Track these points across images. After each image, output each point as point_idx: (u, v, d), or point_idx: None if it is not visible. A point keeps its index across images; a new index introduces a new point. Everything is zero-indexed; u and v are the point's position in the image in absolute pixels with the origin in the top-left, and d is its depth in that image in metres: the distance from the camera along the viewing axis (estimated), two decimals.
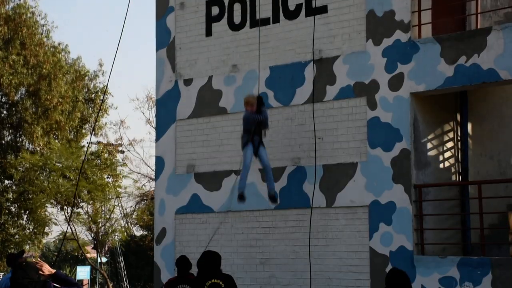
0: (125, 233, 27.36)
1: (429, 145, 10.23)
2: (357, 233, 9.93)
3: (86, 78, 26.15)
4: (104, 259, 37.14)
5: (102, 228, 25.73)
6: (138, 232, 43.94)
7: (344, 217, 10.02)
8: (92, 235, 25.63)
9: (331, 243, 10.10)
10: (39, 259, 6.52)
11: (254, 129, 9.62)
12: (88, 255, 33.21)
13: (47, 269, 6.23)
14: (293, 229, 10.44)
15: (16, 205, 24.70)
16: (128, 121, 71.18)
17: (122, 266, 41.25)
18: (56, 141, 23.53)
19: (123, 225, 28.74)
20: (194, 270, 8.00)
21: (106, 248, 42.26)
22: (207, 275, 7.66)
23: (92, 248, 41.16)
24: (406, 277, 6.85)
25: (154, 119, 30.80)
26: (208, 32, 11.43)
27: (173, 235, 11.51)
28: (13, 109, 24.29)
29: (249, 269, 10.70)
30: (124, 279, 40.97)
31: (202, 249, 10.62)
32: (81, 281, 34.68)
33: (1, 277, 20.88)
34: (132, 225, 39.39)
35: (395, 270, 7.01)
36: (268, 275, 10.57)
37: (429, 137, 10.25)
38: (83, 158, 21.68)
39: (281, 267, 10.44)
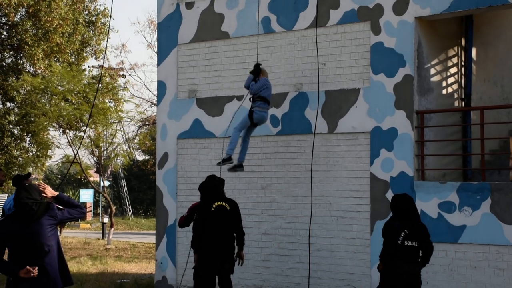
0: (128, 158, 27.59)
1: (432, 71, 10.18)
2: (358, 159, 10.00)
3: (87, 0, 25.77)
4: (107, 183, 37.64)
5: (105, 152, 25.94)
6: (140, 156, 44.50)
7: (346, 143, 10.07)
8: (95, 159, 25.86)
9: (332, 168, 10.19)
10: (41, 181, 6.62)
11: (255, 97, 9.50)
12: (91, 179, 33.62)
13: (49, 191, 6.27)
14: (294, 154, 10.52)
15: (18, 127, 24.84)
16: (129, 45, 70.38)
17: (124, 190, 41.99)
18: (57, 64, 23.44)
19: (125, 149, 28.95)
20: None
21: (109, 172, 42.83)
22: (213, 198, 8.35)
23: (95, 172, 41.56)
24: (412, 202, 7.48)
25: (156, 43, 30.60)
26: None
27: (175, 159, 11.59)
28: (13, 30, 24.06)
29: (251, 194, 10.84)
30: (127, 202, 41.80)
31: (204, 174, 10.85)
32: (84, 203, 35.36)
33: (6, 198, 21.28)
34: (134, 150, 39.74)
35: (401, 195, 7.55)
36: (269, 200, 10.71)
37: (433, 62, 10.18)
38: (98, 81, 21.69)
39: (282, 192, 10.56)
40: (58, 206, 6.28)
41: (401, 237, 7.33)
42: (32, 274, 5.89)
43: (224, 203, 8.33)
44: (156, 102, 12.84)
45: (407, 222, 7.45)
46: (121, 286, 12.75)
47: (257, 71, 9.47)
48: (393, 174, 9.71)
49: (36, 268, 5.92)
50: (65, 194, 6.65)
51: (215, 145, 11.24)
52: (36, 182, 6.31)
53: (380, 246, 9.37)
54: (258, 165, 10.82)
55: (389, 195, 9.68)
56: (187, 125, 11.51)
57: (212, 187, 8.34)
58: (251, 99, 9.57)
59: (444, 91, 10.56)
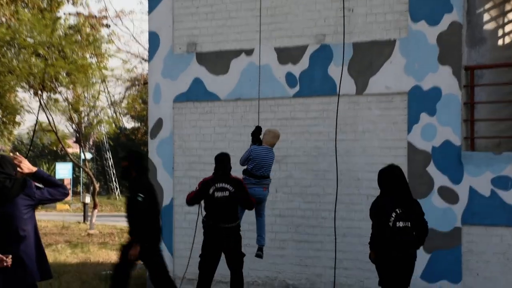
0: (113, 125, 27.68)
1: (485, 17, 10.15)
2: (393, 125, 10.09)
3: None
4: (88, 155, 37.87)
5: (86, 118, 26.03)
6: (128, 123, 44.72)
7: (378, 107, 10.15)
8: (74, 126, 25.99)
9: (362, 137, 10.28)
10: (17, 153, 6.76)
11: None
12: (70, 150, 33.84)
13: (26, 166, 6.25)
14: (315, 120, 10.62)
15: None
16: None
17: (110, 164, 42.20)
18: (26, 10, 23.37)
19: (110, 115, 29.03)
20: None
21: (91, 143, 43.01)
22: (215, 178, 9.19)
23: (74, 142, 41.87)
24: (402, 174, 7.88)
25: None
26: None
27: (170, 127, 11.72)
28: None
29: None
30: (113, 179, 41.98)
31: (206, 144, 11.01)
32: (61, 180, 35.61)
33: None
34: (122, 116, 39.84)
35: (388, 167, 8.01)
36: (285, 175, 10.80)
37: (486, 6, 10.15)
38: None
39: (300, 166, 10.67)
40: (37, 184, 6.30)
41: (392, 218, 7.58)
42: (5, 264, 5.95)
43: (227, 185, 9.15)
44: (147, 58, 12.88)
45: (398, 199, 7.70)
46: (107, 278, 12.84)
47: (256, 136, 9.76)
48: (436, 144, 9.77)
49: (10, 256, 5.98)
50: (44, 171, 6.71)
51: (219, 109, 11.34)
52: (11, 155, 6.36)
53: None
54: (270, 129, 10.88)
55: (431, 169, 9.81)
56: (185, 85, 11.55)
57: (217, 166, 9.28)
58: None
59: (500, 42, 10.53)
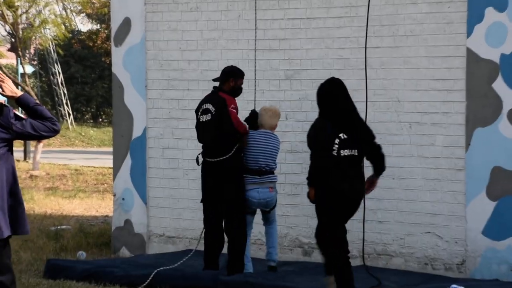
0: (63, 27, 27.46)
1: None
2: (446, 26, 10.08)
3: None
4: (29, 69, 37.68)
5: (24, 17, 25.79)
6: (84, 25, 44.32)
7: (425, 0, 10.17)
8: (7, 28, 25.81)
9: (403, 43, 10.27)
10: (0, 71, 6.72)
11: None
12: (3, 62, 33.64)
13: (8, 88, 6.40)
14: (339, 21, 10.61)
15: None
16: None
17: (59, 81, 41.92)
18: None
19: (58, 13, 28.79)
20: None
21: (32, 51, 42.65)
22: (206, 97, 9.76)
23: (9, 50, 41.63)
24: (344, 89, 8.42)
25: None
26: None
27: (142, 30, 11.77)
28: None
29: (267, 87, 11.05)
30: (64, 101, 41.80)
31: (190, 54, 11.18)
32: None
33: None
34: (74, 14, 39.53)
35: (326, 81, 8.56)
36: (298, 96, 10.90)
37: None
38: None
39: (317, 83, 10.56)
40: (17, 113, 6.41)
41: (336, 145, 8.01)
42: None
43: (209, 105, 9.64)
44: None
45: (342, 121, 8.14)
46: (58, 235, 13.06)
47: (252, 123, 9.92)
48: (506, 50, 9.78)
49: None
50: (32, 97, 6.78)
51: (209, 6, 11.33)
52: None
53: (482, 167, 9.75)
54: (280, 39, 10.95)
55: (498, 84, 9.82)
56: None
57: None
58: None
59: None
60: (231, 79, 9.63)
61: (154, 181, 11.76)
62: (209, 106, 9.52)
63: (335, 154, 7.99)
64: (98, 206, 16.65)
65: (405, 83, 10.31)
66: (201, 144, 9.75)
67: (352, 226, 10.07)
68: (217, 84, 9.67)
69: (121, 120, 11.97)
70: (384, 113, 10.42)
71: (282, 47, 10.94)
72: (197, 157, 9.76)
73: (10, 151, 6.36)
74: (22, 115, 6.38)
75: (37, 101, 6.58)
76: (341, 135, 8.04)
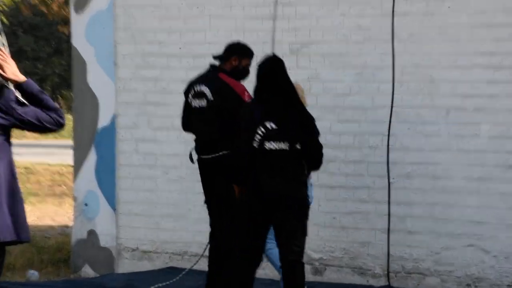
0: None
1: None
2: None
3: None
4: None
5: None
6: None
7: None
8: None
9: (438, 8, 10.30)
10: (2, 47, 6.88)
11: None
12: None
13: (11, 70, 6.49)
14: None
15: None
16: None
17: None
18: None
19: None
20: None
21: None
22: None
23: None
24: (281, 69, 8.59)
25: None
26: None
27: None
28: None
29: None
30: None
31: (170, 22, 11.32)
32: None
33: None
34: None
35: (264, 59, 8.72)
36: (307, 75, 10.86)
37: None
38: None
39: (330, 59, 10.83)
40: (20, 97, 6.52)
41: (259, 136, 8.21)
42: None
43: (203, 87, 9.62)
44: None
45: (272, 107, 8.33)
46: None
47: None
48: None
49: None
50: (35, 83, 6.96)
51: None
52: None
53: None
54: (283, 3, 10.94)
55: None
56: None
57: None
58: None
59: None
60: (234, 57, 9.51)
61: (125, 182, 11.78)
62: (204, 89, 9.46)
63: (256, 146, 8.15)
64: (54, 214, 16.68)
65: (440, 59, 10.29)
66: (186, 133, 9.83)
67: (375, 237, 10.62)
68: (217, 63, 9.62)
69: (84, 106, 12.00)
70: (414, 96, 10.42)
71: (286, 14, 10.91)
72: (191, 153, 9.69)
73: (8, 141, 6.52)
74: (25, 101, 6.53)
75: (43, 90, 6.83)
76: (268, 124, 8.16)
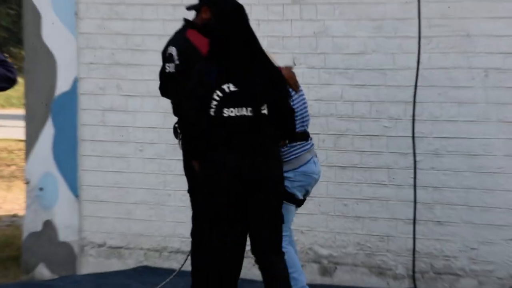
0: None
1: None
2: None
3: None
4: None
5: None
6: None
7: None
8: None
9: None
10: None
11: None
12: None
13: None
14: None
15: None
16: None
17: None
18: None
19: None
20: None
21: None
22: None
23: None
24: (242, 16, 8.26)
25: None
26: None
27: None
28: None
29: (263, 16, 10.74)
30: None
31: None
32: None
33: None
34: None
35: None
36: (313, 29, 10.73)
37: None
38: None
39: (340, 9, 10.73)
40: None
41: (215, 101, 7.94)
42: None
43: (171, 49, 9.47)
44: None
45: (233, 66, 8.06)
46: None
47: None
48: None
49: None
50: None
51: None
52: None
53: None
54: None
55: None
56: None
57: None
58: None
59: None
60: (204, 7, 9.03)
61: (90, 162, 11.56)
62: (172, 50, 9.14)
63: (213, 114, 7.87)
64: (1, 200, 16.39)
65: (476, 8, 9.97)
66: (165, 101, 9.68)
67: (396, 229, 10.44)
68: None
69: (38, 67, 11.82)
70: (445, 55, 10.16)
71: None
72: (175, 126, 9.31)
73: None
74: None
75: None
76: (225, 86, 7.88)
